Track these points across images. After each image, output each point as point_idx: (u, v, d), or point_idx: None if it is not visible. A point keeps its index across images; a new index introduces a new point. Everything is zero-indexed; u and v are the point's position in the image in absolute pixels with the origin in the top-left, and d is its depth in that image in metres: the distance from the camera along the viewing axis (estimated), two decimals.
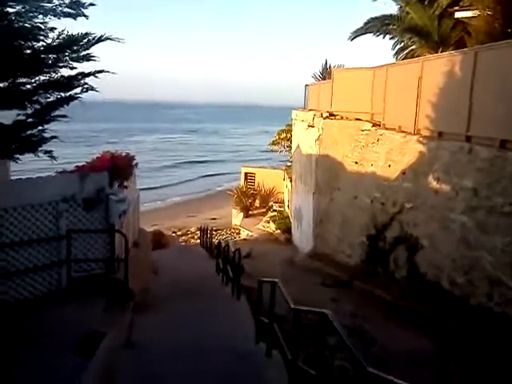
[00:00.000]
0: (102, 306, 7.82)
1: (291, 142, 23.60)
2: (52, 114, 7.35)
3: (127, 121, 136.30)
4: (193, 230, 27.82)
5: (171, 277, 12.21)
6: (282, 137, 25.67)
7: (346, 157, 15.35)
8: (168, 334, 7.82)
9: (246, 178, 30.26)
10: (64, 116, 7.44)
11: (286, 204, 24.67)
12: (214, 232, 25.34)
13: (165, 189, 46.49)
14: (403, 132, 12.93)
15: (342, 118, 16.19)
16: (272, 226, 23.28)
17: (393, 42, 24.12)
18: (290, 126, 24.08)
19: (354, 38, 22.30)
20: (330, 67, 23.17)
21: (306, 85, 21.72)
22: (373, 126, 14.75)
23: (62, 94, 7.42)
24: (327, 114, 16.48)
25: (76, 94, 7.44)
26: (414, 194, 11.37)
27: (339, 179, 15.47)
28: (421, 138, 11.80)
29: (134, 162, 10.77)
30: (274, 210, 24.53)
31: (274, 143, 26.59)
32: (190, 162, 67.94)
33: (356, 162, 14.76)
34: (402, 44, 23.67)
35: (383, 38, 23.34)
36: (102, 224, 8.54)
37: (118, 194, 8.50)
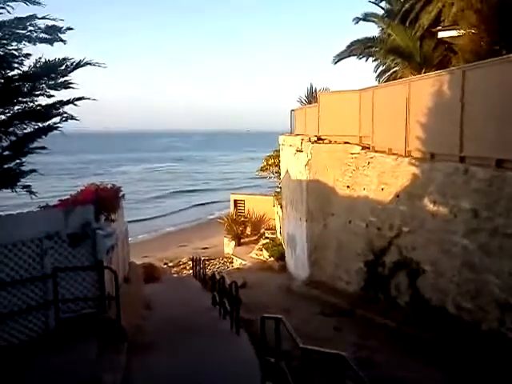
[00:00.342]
0: (94, 349, 7.34)
1: (279, 168, 23.36)
2: (30, 146, 6.97)
3: (113, 151, 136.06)
4: (184, 260, 27.27)
5: (166, 312, 11.68)
6: (269, 162, 25.42)
7: (337, 181, 15.10)
8: (166, 376, 7.31)
9: (235, 206, 29.87)
10: (43, 148, 7.10)
11: (278, 231, 24.28)
12: (206, 262, 24.88)
13: (154, 220, 45.71)
14: (394, 154, 12.73)
15: (330, 141, 15.98)
16: (265, 254, 22.83)
17: (375, 64, 24.34)
18: (278, 151, 23.88)
19: (338, 61, 22.37)
20: (315, 91, 23.08)
21: (292, 110, 21.60)
22: (362, 148, 14.56)
23: (40, 124, 7.06)
24: (315, 139, 16.26)
25: (55, 123, 7.07)
26: (410, 217, 11.08)
27: (332, 204, 15.17)
28: (413, 161, 11.58)
29: (121, 193, 10.39)
30: (267, 238, 24.10)
31: (262, 169, 26.33)
32: (179, 192, 67.29)
33: (348, 186, 14.50)
34: (385, 66, 23.85)
35: (366, 60, 23.50)
36: (89, 260, 8.11)
37: (105, 228, 8.09)
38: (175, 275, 24.19)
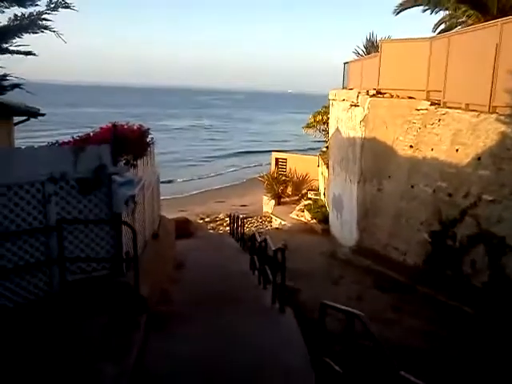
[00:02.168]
0: (101, 323, 5.62)
1: (327, 126, 21.01)
2: None
3: (154, 105, 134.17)
4: (221, 216, 25.58)
5: (197, 275, 9.97)
6: (317, 119, 22.99)
7: (397, 140, 12.81)
8: (190, 362, 5.55)
9: (276, 164, 27.77)
10: None
11: (322, 192, 22.17)
12: (244, 220, 23.10)
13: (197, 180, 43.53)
14: (473, 110, 10.35)
15: (391, 96, 13.59)
16: (307, 215, 20.84)
17: (436, 21, 21.16)
18: (327, 107, 21.47)
19: (400, 11, 19.47)
20: (376, 40, 20.32)
21: (345, 62, 19.02)
22: (431, 104, 12.15)
23: None
24: (374, 92, 13.90)
25: None
26: (495, 184, 8.82)
27: (390, 165, 12.95)
28: (502, 117, 9.21)
29: (149, 136, 8.49)
30: (309, 198, 22.03)
31: (308, 126, 23.91)
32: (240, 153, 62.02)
33: (411, 146, 12.21)
34: (450, 21, 20.71)
35: (431, 13, 20.38)
36: (104, 212, 6.31)
37: (124, 175, 6.23)
38: (211, 231, 22.56)
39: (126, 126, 7.44)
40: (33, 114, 11.78)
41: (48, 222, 5.86)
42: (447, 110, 11.24)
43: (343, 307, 5.18)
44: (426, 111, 12.01)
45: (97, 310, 5.76)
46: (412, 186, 11.86)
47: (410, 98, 13.05)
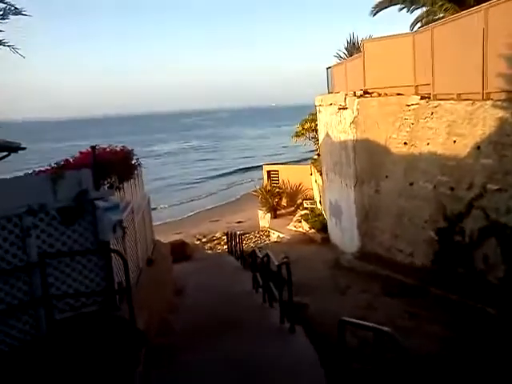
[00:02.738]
0: (97, 363, 5.07)
1: (317, 133, 20.64)
2: None
3: (141, 132, 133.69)
4: (218, 235, 25.03)
5: (199, 299, 9.41)
6: (305, 127, 22.60)
7: (390, 138, 12.45)
8: None
9: (269, 177, 27.32)
10: None
11: (318, 200, 21.73)
12: (241, 236, 22.55)
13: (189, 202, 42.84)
14: (466, 100, 10.00)
15: (379, 94, 13.26)
16: (305, 226, 20.36)
17: (413, 20, 21.02)
18: (314, 115, 21.12)
19: (377, 12, 19.36)
20: (357, 41, 20.06)
21: (328, 67, 18.72)
22: (421, 98, 11.80)
23: None
24: (361, 93, 13.56)
25: None
26: (499, 173, 8.41)
27: (385, 165, 12.55)
28: (498, 102, 8.86)
29: (134, 157, 8.04)
30: (305, 208, 21.56)
31: (297, 135, 23.51)
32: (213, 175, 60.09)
33: (405, 143, 11.83)
34: (425, 20, 20.52)
35: (408, 10, 20.22)
36: (90, 242, 5.79)
37: (109, 199, 5.74)
38: (209, 251, 22.00)
39: (108, 149, 6.99)
40: (13, 149, 11.26)
41: (29, 258, 5.33)
42: (439, 102, 10.90)
43: (368, 324, 4.68)
44: (417, 106, 11.66)
45: (91, 349, 5.21)
46: (411, 184, 11.45)
47: (399, 94, 12.72)
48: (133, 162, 8.26)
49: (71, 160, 6.21)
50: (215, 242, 24.07)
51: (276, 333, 6.83)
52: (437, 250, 10.44)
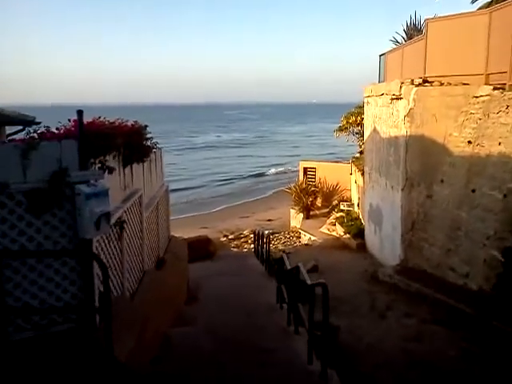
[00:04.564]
0: None
1: (362, 128, 18.88)
2: None
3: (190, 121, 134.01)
4: (246, 233, 23.59)
5: (213, 312, 7.96)
6: (350, 121, 20.80)
7: (450, 136, 10.67)
8: None
9: (305, 174, 25.62)
10: None
11: (356, 202, 19.99)
12: (270, 236, 21.06)
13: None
14: None
15: (441, 83, 11.48)
16: (339, 230, 18.67)
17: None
18: (360, 108, 19.37)
19: None
20: (419, 23, 18.12)
21: (381, 54, 16.90)
22: (494, 89, 10.00)
23: None
24: (420, 81, 11.80)
25: None
26: None
27: (442, 167, 10.81)
28: None
29: (148, 135, 6.64)
30: (341, 210, 19.84)
31: (341, 129, 21.71)
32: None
33: (469, 142, 10.07)
34: None
35: None
36: (67, 239, 4.41)
37: (96, 182, 4.33)
38: (235, 249, 20.58)
39: (111, 122, 5.62)
40: (28, 122, 10.14)
41: None
42: None
43: None
44: (487, 98, 9.84)
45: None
46: (473, 191, 9.72)
47: (465, 84, 10.93)
48: (146, 142, 6.89)
49: (55, 130, 4.80)
50: (242, 239, 22.63)
51: (304, 375, 5.28)
52: (500, 273, 8.73)
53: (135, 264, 6.37)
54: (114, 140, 4.95)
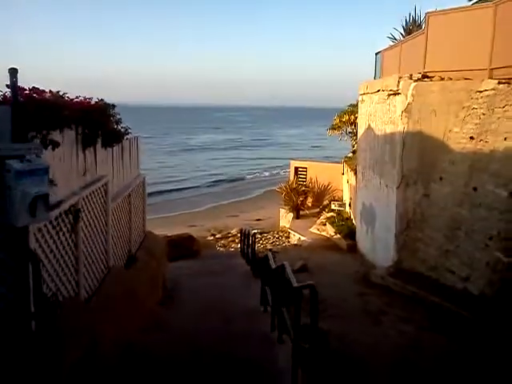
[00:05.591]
0: None
1: (355, 127, 18.06)
2: None
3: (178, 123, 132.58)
4: (234, 232, 22.70)
5: (189, 316, 7.06)
6: (343, 119, 19.95)
7: (450, 132, 9.89)
8: None
9: (296, 173, 24.76)
10: None
11: (348, 202, 19.16)
12: (258, 235, 20.18)
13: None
14: None
15: (441, 78, 10.68)
16: (330, 230, 17.85)
17: None
18: (353, 106, 18.58)
19: None
20: (420, 18, 17.33)
21: (377, 52, 16.10)
22: (499, 83, 9.22)
23: None
24: (419, 76, 10.99)
25: None
26: None
27: (440, 164, 10.03)
28: None
29: (117, 118, 5.75)
30: (332, 210, 19.01)
31: (333, 127, 20.86)
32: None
33: (471, 138, 9.29)
34: None
35: None
36: None
37: (31, 159, 3.42)
38: (222, 249, 19.69)
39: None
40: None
41: None
42: None
43: None
44: (492, 92, 9.06)
45: None
46: (475, 189, 8.94)
47: (467, 79, 10.15)
48: (116, 126, 5.99)
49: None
50: (230, 238, 21.76)
51: None
52: (504, 277, 7.93)
53: (97, 260, 5.47)
54: (61, 113, 4.03)
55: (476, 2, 16.49)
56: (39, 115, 3.68)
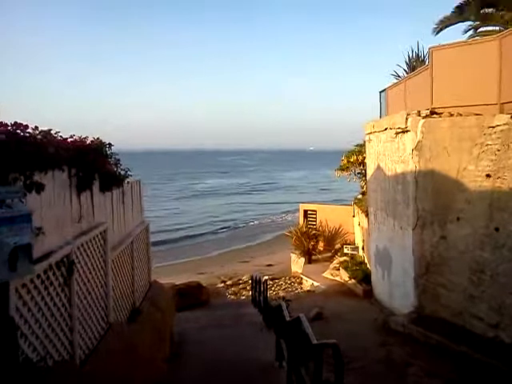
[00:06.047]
0: None
1: (364, 167, 17.73)
2: None
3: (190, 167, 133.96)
4: (245, 278, 22.04)
5: (199, 377, 6.45)
6: (351, 160, 19.67)
7: (465, 170, 9.49)
8: None
9: (305, 217, 24.32)
10: None
11: (360, 246, 18.56)
12: (270, 281, 19.52)
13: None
14: None
15: (451, 115, 10.40)
16: (343, 275, 17.18)
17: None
18: (360, 145, 18.34)
19: (441, 30, 16.67)
20: (422, 53, 17.34)
21: (381, 90, 16.00)
22: (511, 117, 8.89)
23: None
24: (427, 112, 10.72)
25: None
26: None
27: (456, 204, 9.57)
28: None
29: (116, 159, 5.42)
30: (345, 254, 18.40)
31: (341, 168, 20.56)
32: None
33: (488, 176, 8.87)
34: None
35: (475, 31, 17.22)
36: None
37: (13, 204, 3.05)
38: (232, 296, 18.99)
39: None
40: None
41: None
42: None
43: None
44: (506, 127, 8.72)
45: None
46: (497, 229, 8.42)
47: (477, 115, 9.85)
48: (116, 169, 5.67)
49: None
50: (240, 285, 21.08)
51: None
52: None
53: (95, 316, 5.00)
54: (47, 150, 3.68)
55: (472, 36, 16.61)
56: (21, 153, 3.33)
